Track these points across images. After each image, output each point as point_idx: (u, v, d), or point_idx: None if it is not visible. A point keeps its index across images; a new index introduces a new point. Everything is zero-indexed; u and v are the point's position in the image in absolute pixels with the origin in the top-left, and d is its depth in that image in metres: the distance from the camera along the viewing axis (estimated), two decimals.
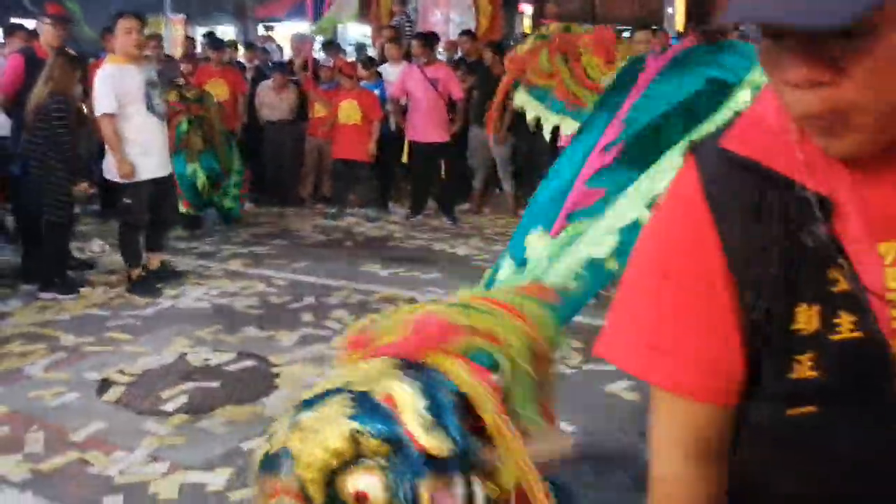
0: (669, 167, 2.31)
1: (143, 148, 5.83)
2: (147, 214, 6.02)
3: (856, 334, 0.93)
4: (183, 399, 4.21)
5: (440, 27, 11.61)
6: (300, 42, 11.09)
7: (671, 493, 1.17)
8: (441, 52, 10.65)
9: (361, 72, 9.81)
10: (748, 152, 1.00)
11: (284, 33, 16.54)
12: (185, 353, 4.79)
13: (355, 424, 1.44)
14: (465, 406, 1.65)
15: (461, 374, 1.67)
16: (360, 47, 15.43)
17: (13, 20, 9.92)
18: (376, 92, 9.46)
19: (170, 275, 6.35)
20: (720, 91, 2.62)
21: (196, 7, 27.22)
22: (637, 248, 1.15)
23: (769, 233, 0.96)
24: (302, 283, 6.27)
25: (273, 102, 9.67)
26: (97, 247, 7.41)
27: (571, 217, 2.49)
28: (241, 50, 11.54)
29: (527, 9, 21.77)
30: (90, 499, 3.24)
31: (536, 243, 2.51)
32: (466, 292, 2.16)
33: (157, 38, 10.64)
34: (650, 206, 2.25)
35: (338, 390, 1.54)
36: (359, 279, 6.49)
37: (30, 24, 8.24)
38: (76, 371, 4.54)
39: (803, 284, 0.95)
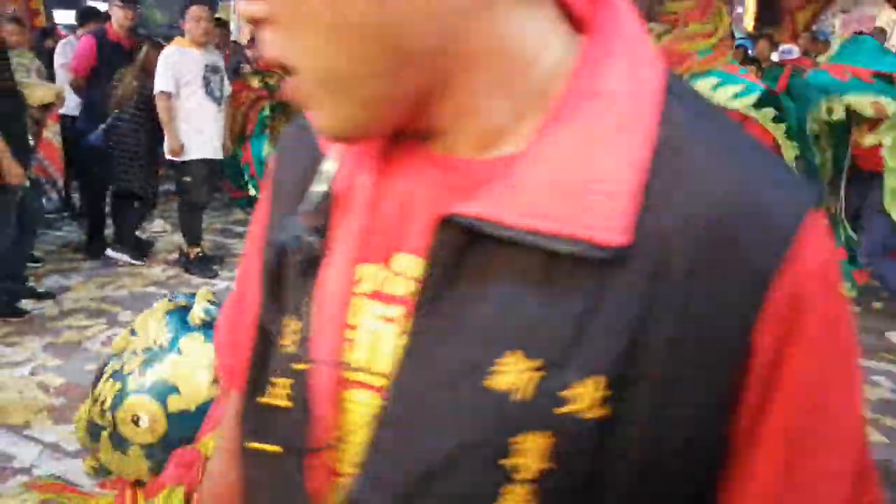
0: None
1: (196, 129, 5.94)
2: (206, 193, 6.16)
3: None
4: None
5: None
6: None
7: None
8: None
9: None
10: None
11: None
12: None
13: None
14: None
15: None
16: None
17: (89, 2, 10.15)
18: None
19: (224, 257, 6.48)
20: None
21: None
22: None
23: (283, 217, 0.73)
24: None
25: None
26: (158, 226, 7.59)
27: None
28: None
29: None
30: None
31: None
32: None
33: (225, 24, 10.82)
34: None
35: None
36: None
37: (103, 6, 8.45)
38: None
39: (291, 293, 0.72)
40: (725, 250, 0.56)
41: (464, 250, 0.60)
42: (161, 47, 6.04)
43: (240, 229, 7.93)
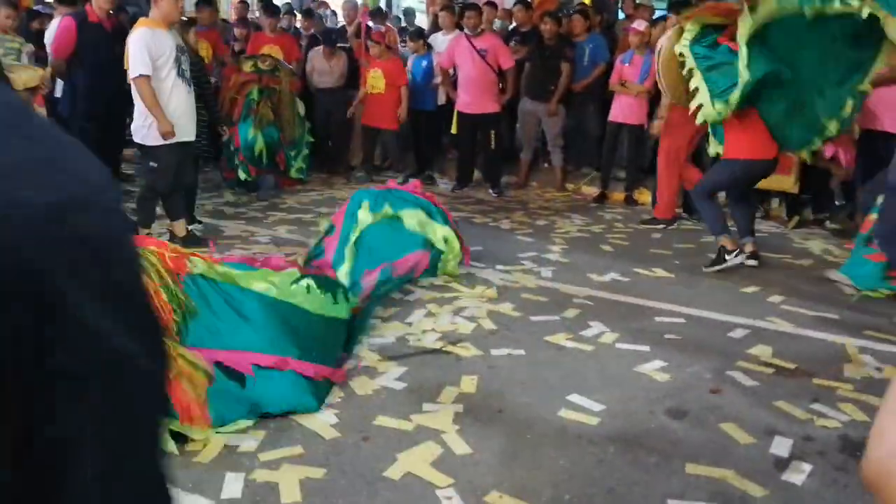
0: None
1: (173, 112, 5.90)
2: (172, 179, 6.11)
3: None
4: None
5: None
6: (352, 9, 11.11)
7: None
8: (496, 21, 10.59)
9: (411, 44, 9.84)
10: None
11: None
12: None
13: None
14: None
15: None
16: (408, 12, 15.40)
17: None
18: (423, 62, 9.51)
19: (198, 241, 6.46)
20: None
21: None
22: None
23: None
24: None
25: (323, 69, 9.73)
26: None
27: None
28: (299, 17, 11.62)
29: None
30: None
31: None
32: None
33: (212, 2, 10.73)
34: None
35: None
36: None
37: None
38: None
39: None
40: None
41: None
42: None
43: (230, 210, 7.91)
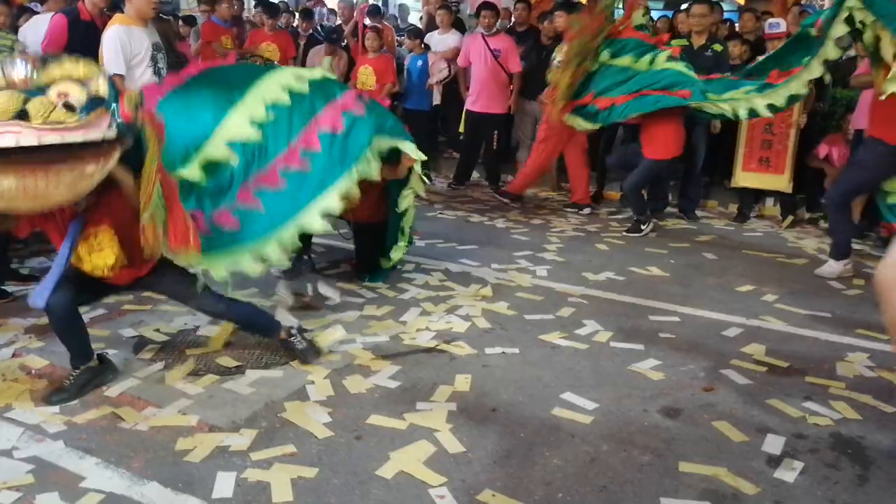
0: None
1: None
2: None
3: None
4: (214, 360, 4.31)
5: None
6: (349, 8, 11.11)
7: None
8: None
9: (408, 42, 9.84)
10: None
11: None
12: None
13: None
14: None
15: None
16: (403, 8, 15.40)
17: None
18: (419, 62, 9.51)
19: None
20: None
21: None
22: None
23: None
24: (338, 249, 6.34)
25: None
26: None
27: None
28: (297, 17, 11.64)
29: None
30: (120, 452, 3.35)
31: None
32: None
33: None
34: None
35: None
36: None
37: None
38: (114, 328, 4.66)
39: None
40: None
41: None
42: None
43: None
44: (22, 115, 2.85)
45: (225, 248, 3.97)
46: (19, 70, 3.00)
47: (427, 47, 9.80)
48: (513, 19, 10.41)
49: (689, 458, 3.44)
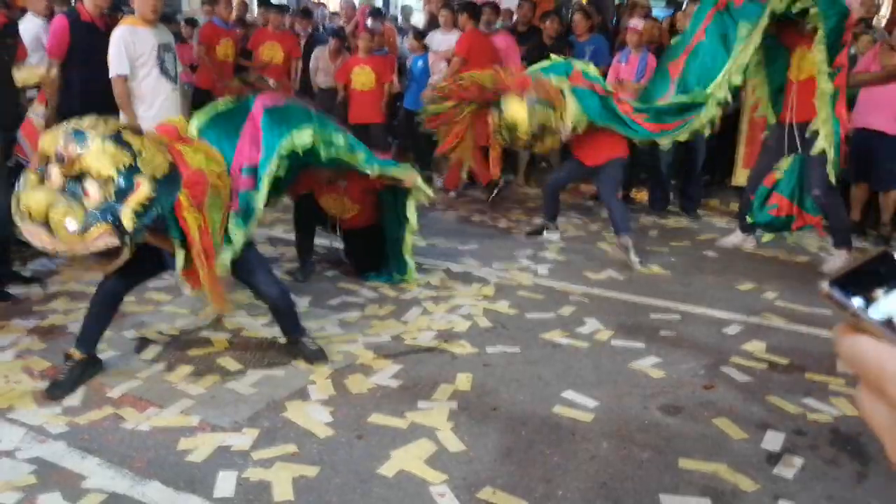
0: None
1: (153, 110, 5.91)
2: None
3: None
4: (216, 360, 4.33)
5: None
6: (351, 8, 11.12)
7: None
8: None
9: (412, 43, 9.85)
10: None
11: None
12: (221, 316, 4.89)
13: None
14: None
15: None
16: (406, 9, 15.42)
17: None
18: (419, 62, 9.52)
19: None
20: None
21: None
22: None
23: None
24: (341, 250, 6.35)
25: (328, 69, 9.75)
26: None
27: None
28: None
29: None
30: (122, 453, 3.37)
31: None
32: None
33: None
34: None
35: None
36: None
37: None
38: (116, 329, 4.67)
39: None
40: None
41: None
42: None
43: None
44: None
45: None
46: (75, 148, 3.26)
47: (426, 48, 9.80)
48: (514, 18, 10.41)
49: (688, 455, 3.46)
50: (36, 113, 5.67)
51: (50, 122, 5.52)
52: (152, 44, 5.79)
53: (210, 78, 9.06)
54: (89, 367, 4.02)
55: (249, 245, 4.16)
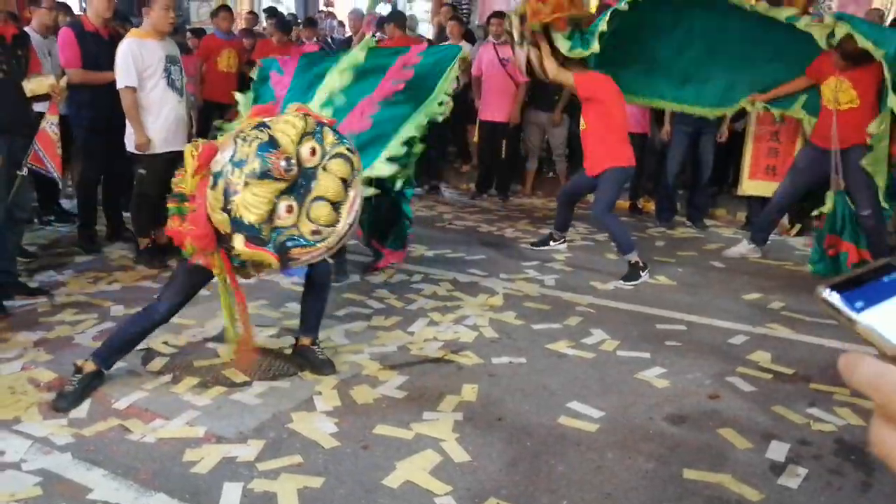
0: None
1: (160, 121, 5.95)
2: (160, 187, 6.14)
3: None
4: (222, 372, 4.34)
5: (501, 5, 11.59)
6: (358, 19, 11.17)
7: None
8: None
9: None
10: None
11: (346, 7, 16.64)
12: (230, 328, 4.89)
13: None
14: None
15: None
16: (411, 18, 15.45)
17: None
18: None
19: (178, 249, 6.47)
20: None
21: None
22: None
23: None
24: (347, 260, 6.36)
25: None
26: None
27: None
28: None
29: None
30: (128, 464, 3.38)
31: None
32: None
33: (228, 10, 10.81)
34: None
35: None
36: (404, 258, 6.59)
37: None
38: None
39: None
40: None
41: None
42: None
43: None
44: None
45: None
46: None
47: None
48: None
49: (693, 466, 3.45)
50: (50, 123, 5.70)
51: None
52: (160, 56, 5.85)
53: (216, 89, 9.13)
54: (94, 380, 4.04)
55: None
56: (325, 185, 3.45)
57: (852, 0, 12.36)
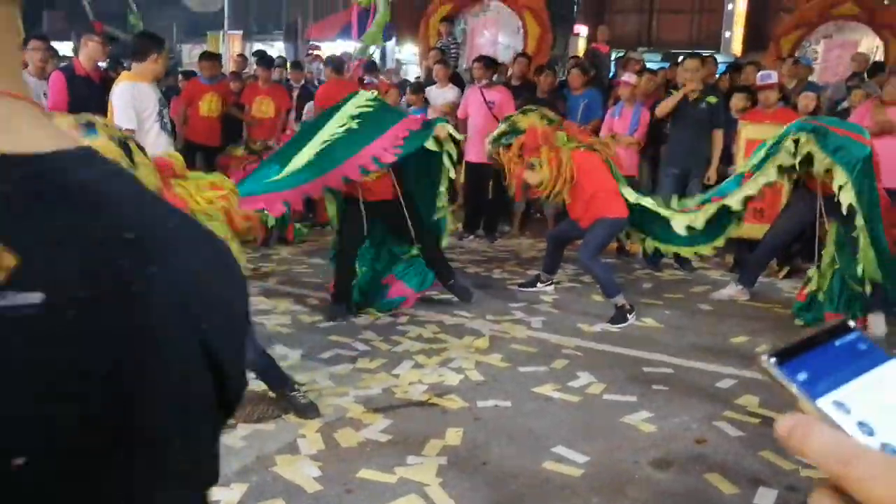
0: None
1: None
2: None
3: None
4: None
5: (487, 49, 11.69)
6: (347, 61, 11.27)
7: None
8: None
9: (410, 97, 9.97)
10: None
11: (334, 52, 16.80)
12: None
13: None
14: None
15: None
16: (398, 62, 15.66)
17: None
18: (419, 115, 9.62)
19: None
20: None
21: (254, 24, 27.66)
22: None
23: None
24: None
25: None
26: None
27: None
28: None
29: (582, 30, 21.83)
30: None
31: None
32: None
33: (217, 57, 10.90)
34: None
35: None
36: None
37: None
38: None
39: None
40: None
41: None
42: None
43: None
44: None
45: None
46: (81, 138, 3.35)
47: (426, 101, 9.91)
48: (510, 72, 10.54)
49: None
50: None
51: None
52: (154, 99, 5.88)
53: (198, 132, 9.25)
54: None
55: None
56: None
57: (837, 45, 12.53)
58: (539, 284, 7.18)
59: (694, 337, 5.97)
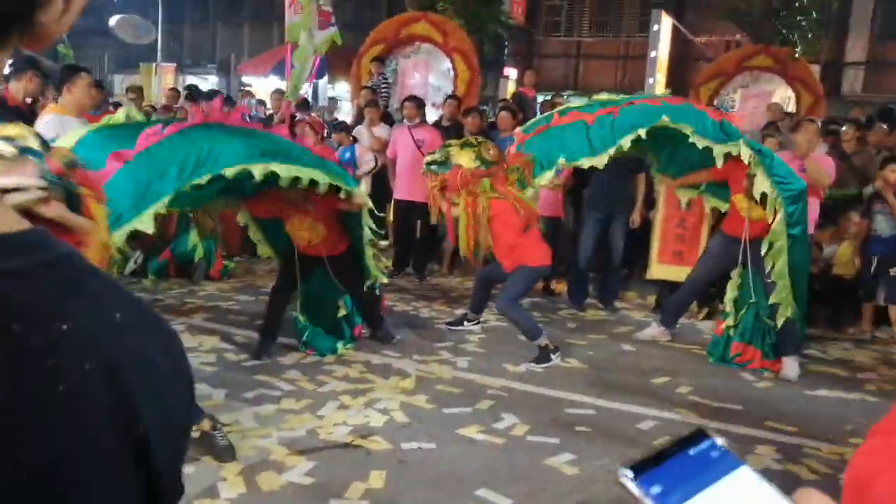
0: None
1: None
2: None
3: None
4: None
5: (418, 90, 11.78)
6: (280, 98, 11.28)
7: None
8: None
9: (336, 136, 10.02)
10: None
11: (266, 88, 16.78)
12: None
13: None
14: None
15: None
16: (332, 101, 15.72)
17: None
18: (347, 154, 9.66)
19: None
20: None
21: (187, 57, 27.48)
22: None
23: None
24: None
25: None
26: None
27: None
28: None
29: (512, 73, 22.13)
30: None
31: None
32: None
33: (139, 89, 10.80)
34: None
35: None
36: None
37: None
38: None
39: None
40: None
41: None
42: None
43: (146, 297, 7.81)
44: None
45: None
46: None
47: (355, 140, 9.96)
48: (440, 113, 10.65)
49: None
50: None
51: None
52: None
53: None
54: None
55: None
56: None
57: (753, 95, 12.96)
58: (466, 323, 7.24)
59: (617, 377, 6.06)
